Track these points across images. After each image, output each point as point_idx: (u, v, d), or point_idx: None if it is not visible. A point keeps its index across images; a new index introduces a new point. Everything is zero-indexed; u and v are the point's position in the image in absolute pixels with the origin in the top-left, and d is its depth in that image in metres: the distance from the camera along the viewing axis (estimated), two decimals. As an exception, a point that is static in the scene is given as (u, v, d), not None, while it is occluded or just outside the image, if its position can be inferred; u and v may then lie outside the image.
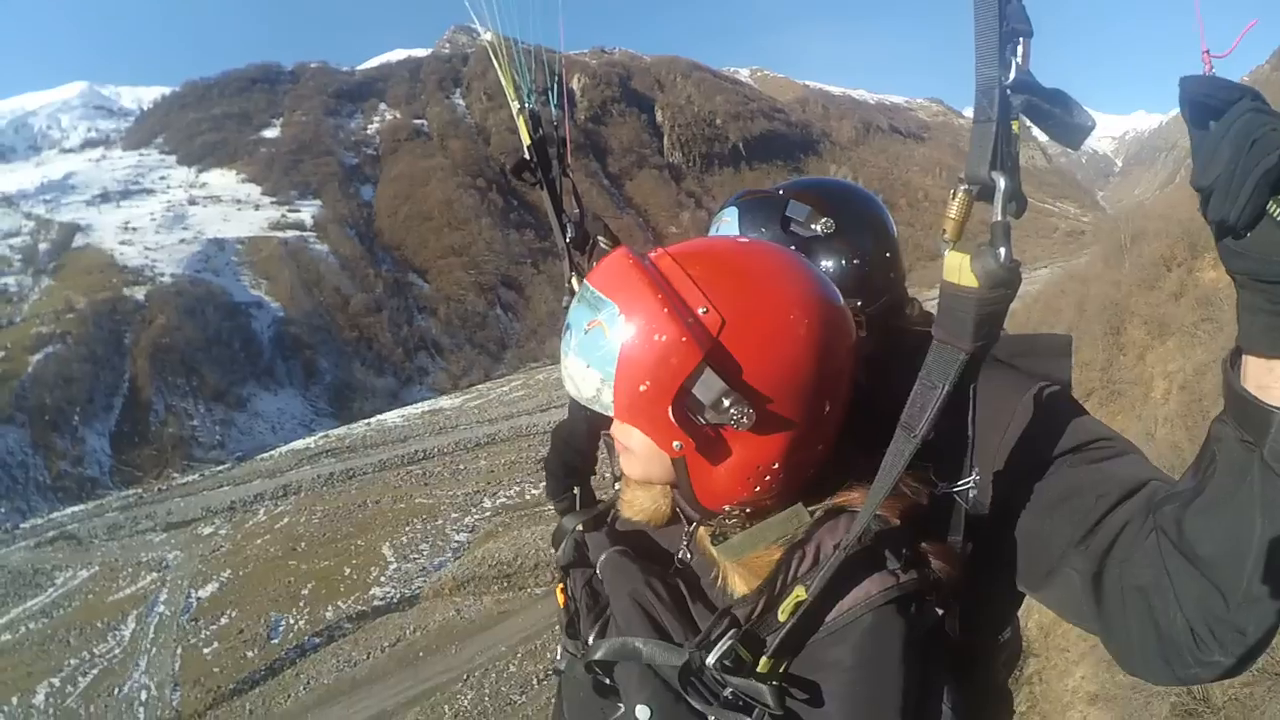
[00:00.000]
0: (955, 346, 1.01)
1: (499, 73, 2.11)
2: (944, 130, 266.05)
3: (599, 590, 1.41)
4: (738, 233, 1.74)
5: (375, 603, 32.01)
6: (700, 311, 1.11)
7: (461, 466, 49.44)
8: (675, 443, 1.15)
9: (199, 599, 33.54)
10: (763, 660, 1.10)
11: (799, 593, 1.10)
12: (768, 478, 1.19)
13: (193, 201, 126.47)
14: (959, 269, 0.97)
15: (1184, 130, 0.82)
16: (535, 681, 25.51)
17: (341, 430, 66.69)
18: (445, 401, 77.05)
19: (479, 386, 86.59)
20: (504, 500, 42.88)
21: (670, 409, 1.12)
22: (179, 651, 29.18)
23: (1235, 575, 0.92)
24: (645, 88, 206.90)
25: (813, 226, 1.67)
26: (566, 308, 1.31)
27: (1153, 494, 1.10)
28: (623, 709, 1.22)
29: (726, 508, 1.23)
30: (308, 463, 53.75)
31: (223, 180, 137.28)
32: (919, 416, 1.04)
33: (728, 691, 1.10)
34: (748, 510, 1.23)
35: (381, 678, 26.44)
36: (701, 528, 1.31)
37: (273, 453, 61.23)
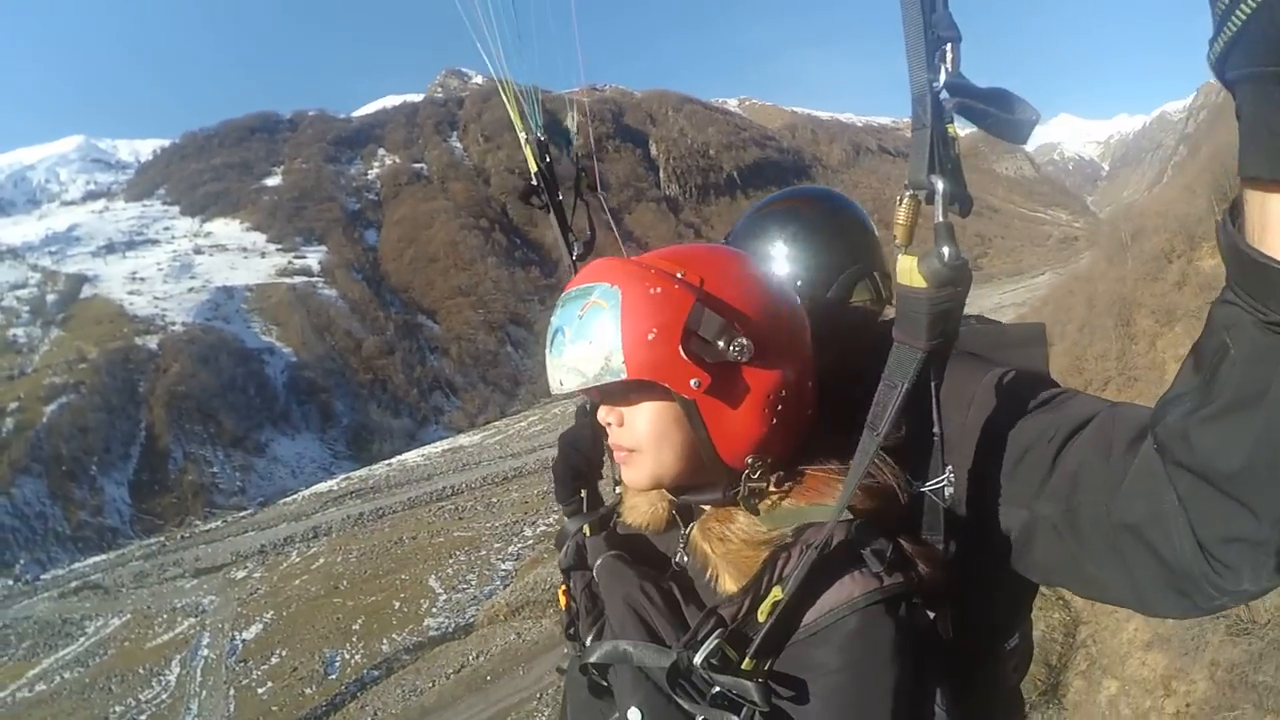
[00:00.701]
0: (912, 346, 1.04)
1: (506, 104, 2.17)
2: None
3: (597, 593, 1.42)
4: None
5: (430, 633, 31.85)
6: (679, 274, 1.20)
7: (494, 500, 49.55)
8: (693, 380, 1.18)
9: (244, 641, 33.34)
10: (746, 660, 1.10)
11: (776, 593, 1.11)
12: (779, 407, 1.22)
13: (198, 251, 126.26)
14: (910, 271, 1.01)
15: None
16: None
17: (363, 472, 66.75)
18: (464, 439, 77.19)
19: (496, 423, 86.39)
20: (544, 528, 42.85)
21: (680, 347, 1.16)
22: (231, 693, 28.80)
23: (1270, 487, 0.81)
24: (638, 122, 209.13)
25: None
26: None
27: (1112, 418, 1.07)
28: (617, 713, 1.21)
29: (749, 459, 1.23)
30: (333, 505, 53.97)
31: (227, 229, 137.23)
32: (881, 415, 1.07)
33: (715, 691, 1.10)
34: (769, 461, 1.23)
35: (451, 704, 26.18)
36: (697, 525, 1.32)
37: (295, 496, 61.42)
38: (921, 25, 0.91)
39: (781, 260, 1.70)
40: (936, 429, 1.15)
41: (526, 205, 2.20)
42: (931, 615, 1.16)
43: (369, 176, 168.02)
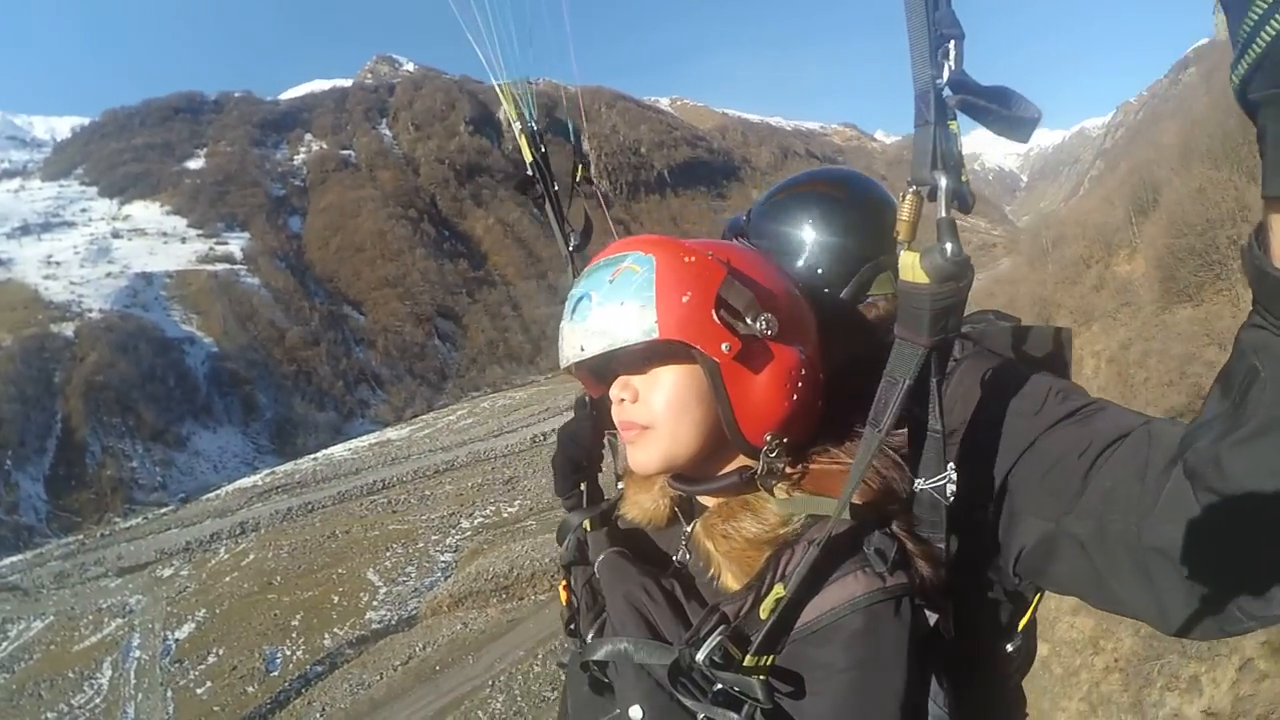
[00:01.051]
0: (914, 342, 1.05)
1: (500, 95, 2.18)
2: (857, 154, 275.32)
3: (597, 590, 1.44)
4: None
5: (373, 626, 32.02)
6: (707, 254, 1.24)
7: (427, 493, 49.72)
8: (724, 344, 1.19)
9: (177, 640, 32.89)
10: (749, 657, 1.11)
11: (779, 590, 1.11)
12: (799, 385, 1.25)
13: (117, 234, 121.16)
14: (912, 267, 1.01)
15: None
16: (564, 677, 26.16)
17: (288, 466, 65.79)
18: (392, 433, 76.67)
19: (424, 417, 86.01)
20: (481, 520, 43.54)
21: (714, 311, 1.19)
22: (170, 694, 28.53)
23: None
24: (571, 117, 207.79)
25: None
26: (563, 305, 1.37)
27: (1147, 437, 1.05)
28: (618, 710, 1.22)
29: (768, 436, 1.24)
30: (259, 500, 53.13)
31: (147, 212, 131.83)
32: (883, 411, 1.08)
33: (717, 688, 1.11)
34: (785, 441, 1.24)
35: (401, 695, 26.55)
36: (699, 522, 1.34)
37: (218, 492, 60.02)
38: (925, 22, 0.92)
39: (804, 247, 1.64)
40: (939, 426, 1.14)
41: (523, 195, 2.18)
42: (934, 616, 1.17)
43: (295, 162, 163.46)
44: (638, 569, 1.34)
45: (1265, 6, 0.63)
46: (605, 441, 1.80)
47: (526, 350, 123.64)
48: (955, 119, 0.96)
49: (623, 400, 1.30)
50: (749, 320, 1.18)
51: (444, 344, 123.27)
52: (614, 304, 1.21)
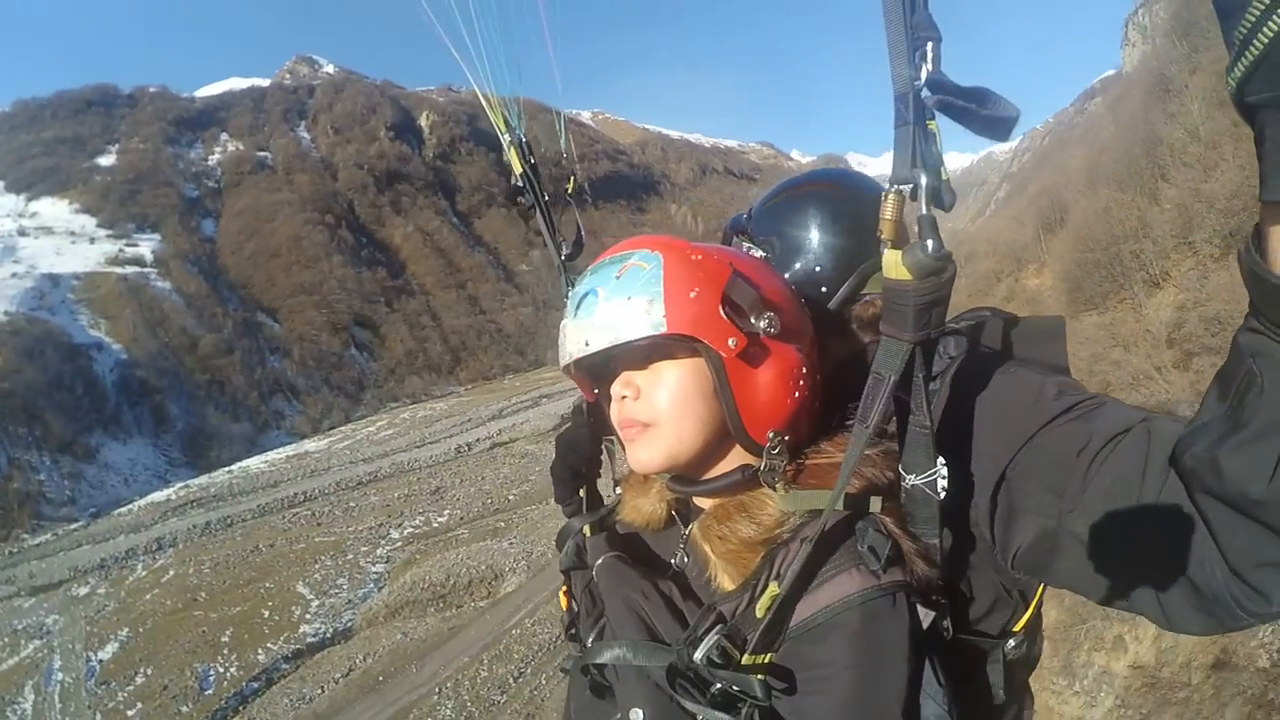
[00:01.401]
0: (899, 338, 1.07)
1: (486, 107, 2.16)
2: (774, 172, 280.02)
3: (596, 594, 1.44)
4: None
5: (309, 639, 31.94)
6: (712, 254, 1.28)
7: (352, 504, 49.72)
8: (731, 339, 1.21)
9: (101, 661, 32.35)
10: (746, 656, 1.13)
11: (773, 588, 1.13)
12: (801, 383, 1.27)
13: (23, 232, 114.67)
14: (895, 264, 1.03)
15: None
16: (512, 680, 26.21)
17: (203, 480, 64.70)
18: (310, 445, 76.02)
19: (342, 428, 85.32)
20: (411, 530, 43.88)
21: (720, 307, 1.21)
22: (98, 717, 28.13)
23: None
24: (492, 126, 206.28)
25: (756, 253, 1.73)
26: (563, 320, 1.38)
27: (1146, 435, 1.05)
28: (620, 713, 1.23)
29: (771, 433, 1.25)
30: (174, 515, 52.43)
31: (54, 210, 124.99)
32: (870, 408, 1.10)
33: (716, 688, 1.12)
34: (786, 439, 1.25)
35: (346, 707, 26.49)
36: (696, 525, 1.34)
37: (130, 506, 58.93)
38: (903, 24, 0.94)
39: (805, 246, 1.66)
40: (926, 422, 1.13)
41: (514, 205, 2.17)
42: (930, 614, 1.18)
43: (210, 162, 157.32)
44: (636, 572, 1.34)
45: (1263, 7, 0.63)
46: (604, 448, 1.79)
47: (446, 361, 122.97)
48: (934, 119, 0.99)
49: (624, 397, 1.30)
50: (753, 318, 1.22)
51: (361, 353, 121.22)
52: (621, 298, 1.22)
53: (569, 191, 2.29)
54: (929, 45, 0.95)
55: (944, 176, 1.01)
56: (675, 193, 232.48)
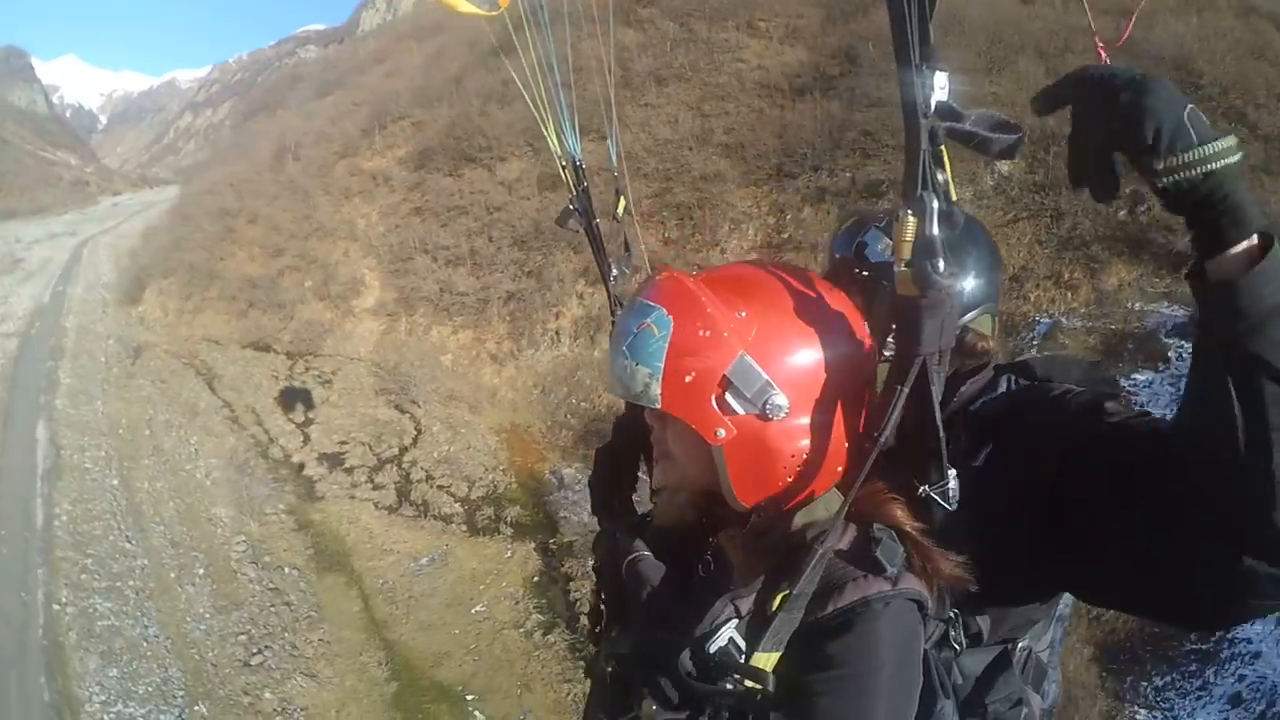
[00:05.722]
0: (911, 352, 1.10)
1: (544, 129, 2.21)
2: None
3: (623, 592, 1.44)
4: (837, 247, 1.83)
5: None
6: (739, 315, 1.21)
7: None
8: (719, 430, 1.20)
9: None
10: (757, 653, 1.13)
11: (785, 588, 1.14)
12: (799, 469, 1.24)
13: None
14: (906, 282, 1.08)
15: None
16: None
17: None
18: None
19: None
20: None
21: (714, 398, 1.19)
22: None
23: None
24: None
25: (883, 252, 1.70)
26: (612, 326, 1.43)
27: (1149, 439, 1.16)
28: (635, 704, 1.26)
29: (760, 503, 1.26)
30: None
31: None
32: (884, 420, 1.12)
33: (728, 679, 1.14)
34: (782, 509, 1.27)
35: None
36: (723, 532, 1.35)
37: None
38: (913, 57, 1.01)
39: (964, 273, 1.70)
40: (939, 433, 1.15)
41: (563, 226, 2.22)
42: (941, 625, 1.22)
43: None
44: (661, 570, 1.37)
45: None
46: (642, 460, 1.80)
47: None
48: (943, 144, 1.05)
49: (653, 425, 1.37)
50: (754, 403, 1.19)
51: None
52: (630, 361, 1.24)
53: (618, 214, 2.33)
54: (937, 76, 1.02)
55: (954, 198, 1.11)
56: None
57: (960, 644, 1.33)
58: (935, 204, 1.04)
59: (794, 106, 21.89)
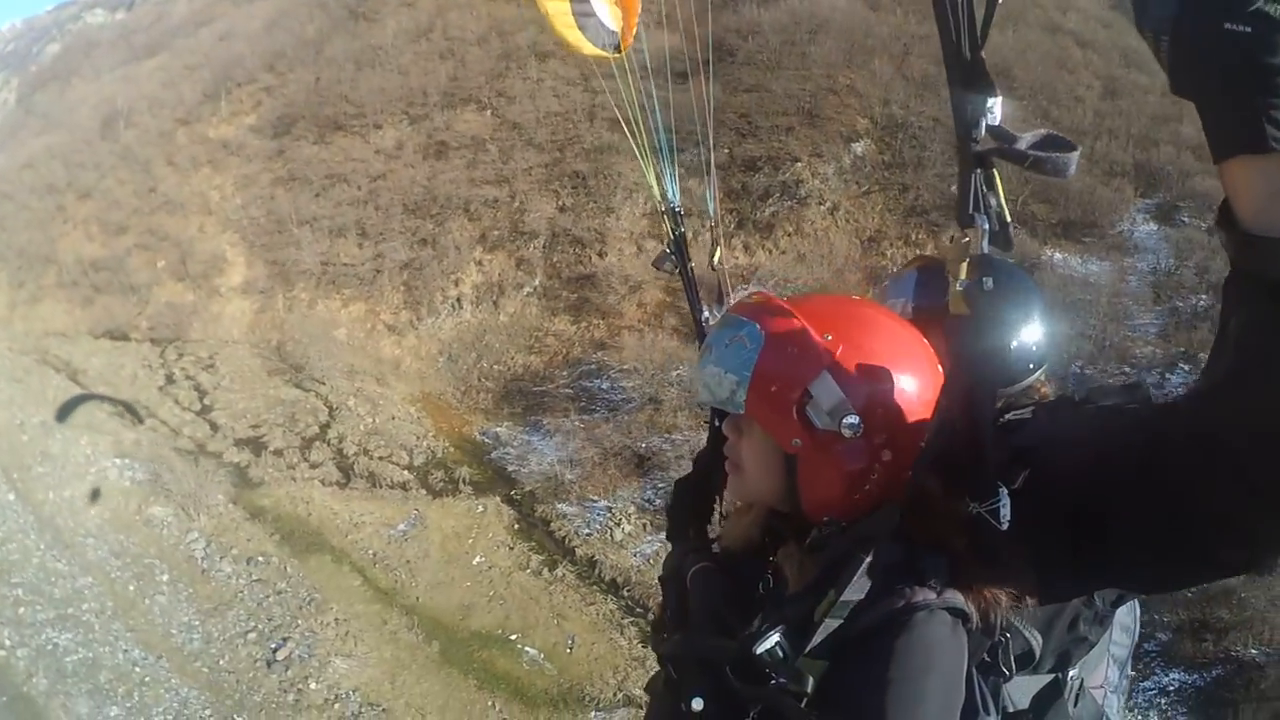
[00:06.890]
0: (961, 371, 1.18)
1: (647, 177, 2.27)
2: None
3: (685, 600, 1.53)
4: (912, 294, 2.02)
5: None
6: (826, 337, 1.30)
7: None
8: (795, 439, 1.29)
9: None
10: (802, 657, 1.17)
11: (831, 595, 1.17)
12: (867, 487, 1.31)
13: None
14: (957, 300, 1.13)
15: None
16: None
17: None
18: None
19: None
20: None
21: (794, 408, 1.28)
22: None
23: None
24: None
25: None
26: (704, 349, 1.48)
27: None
28: (683, 703, 1.28)
29: (825, 519, 1.33)
30: None
31: None
32: (932, 439, 1.20)
33: (772, 681, 1.18)
34: (844, 524, 1.31)
35: None
36: (781, 550, 1.40)
37: None
38: (965, 82, 1.02)
39: (1026, 326, 1.84)
40: (987, 451, 1.18)
41: (659, 270, 2.31)
42: (988, 642, 1.23)
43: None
44: (721, 580, 1.46)
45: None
46: (720, 483, 1.82)
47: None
48: (995, 167, 1.08)
49: (729, 438, 1.44)
50: (831, 419, 1.26)
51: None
52: (720, 369, 1.34)
53: (713, 263, 2.44)
54: (989, 102, 1.04)
55: (1008, 220, 1.13)
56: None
57: (1010, 669, 1.35)
58: (985, 224, 1.11)
59: (675, 88, 23.32)
